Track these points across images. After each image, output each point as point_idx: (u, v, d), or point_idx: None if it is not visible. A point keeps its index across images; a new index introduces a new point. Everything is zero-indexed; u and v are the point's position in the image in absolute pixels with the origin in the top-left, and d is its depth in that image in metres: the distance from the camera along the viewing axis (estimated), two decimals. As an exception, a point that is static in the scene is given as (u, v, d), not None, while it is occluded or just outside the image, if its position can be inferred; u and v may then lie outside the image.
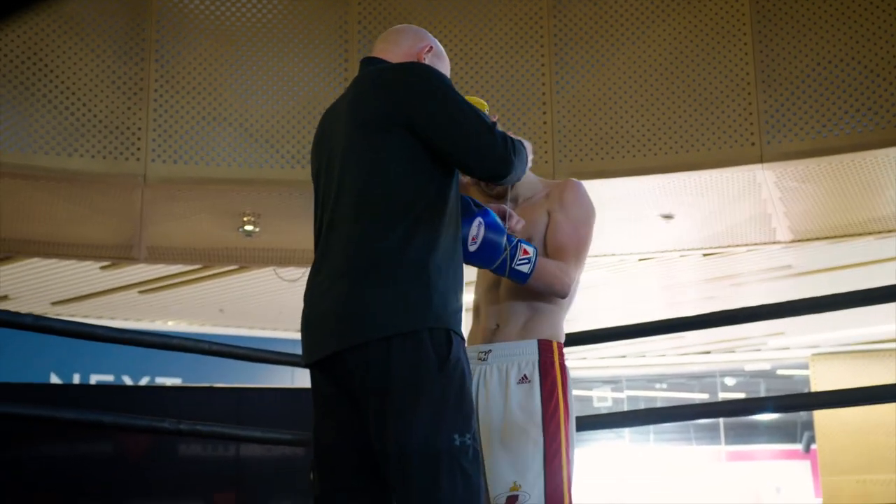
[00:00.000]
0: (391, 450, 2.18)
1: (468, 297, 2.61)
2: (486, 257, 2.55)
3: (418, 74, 2.38)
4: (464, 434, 2.20)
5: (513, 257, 2.58)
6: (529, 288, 2.72)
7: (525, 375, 2.70)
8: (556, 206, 2.82)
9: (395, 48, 2.56)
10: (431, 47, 2.59)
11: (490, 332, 2.80)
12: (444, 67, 2.62)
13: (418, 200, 2.28)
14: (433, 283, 2.24)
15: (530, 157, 2.68)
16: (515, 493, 2.59)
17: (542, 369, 2.71)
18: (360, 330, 2.21)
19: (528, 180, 2.89)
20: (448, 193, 2.36)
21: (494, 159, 2.32)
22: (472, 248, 2.50)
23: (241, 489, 6.23)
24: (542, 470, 2.62)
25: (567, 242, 2.78)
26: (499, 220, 2.56)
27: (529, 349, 2.72)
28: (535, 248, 2.65)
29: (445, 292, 2.27)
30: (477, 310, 2.90)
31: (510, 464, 2.61)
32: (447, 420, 2.18)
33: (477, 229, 2.50)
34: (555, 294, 2.77)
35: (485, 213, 2.53)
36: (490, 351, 2.75)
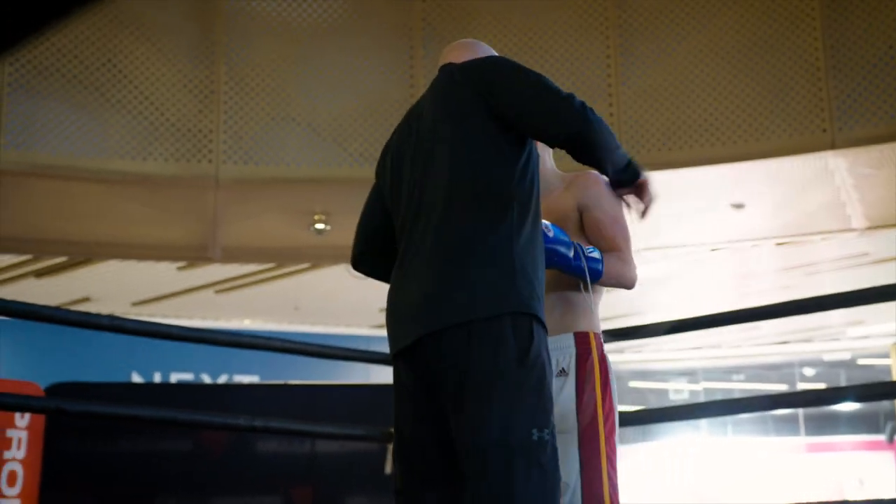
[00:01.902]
0: (467, 441, 2.16)
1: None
2: (561, 254, 2.56)
3: (493, 60, 2.45)
4: (542, 429, 2.16)
5: (584, 255, 2.59)
6: (599, 283, 2.72)
7: (563, 368, 2.69)
8: (585, 203, 2.79)
9: (463, 55, 2.60)
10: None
11: None
12: None
13: (502, 187, 2.29)
14: (517, 268, 2.23)
15: None
16: None
17: (579, 361, 2.70)
18: (442, 315, 2.20)
19: (550, 169, 2.88)
20: (530, 180, 2.36)
21: (570, 116, 2.29)
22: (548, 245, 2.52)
23: (317, 484, 6.31)
24: (579, 460, 2.60)
25: (616, 235, 2.77)
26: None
27: (566, 342, 2.71)
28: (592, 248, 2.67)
29: (529, 278, 2.25)
30: None
31: None
32: (525, 413, 2.15)
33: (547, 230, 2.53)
34: (624, 286, 2.76)
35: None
36: None
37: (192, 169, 6.63)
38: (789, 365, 16.99)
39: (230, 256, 8.17)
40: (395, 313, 2.37)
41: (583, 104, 2.33)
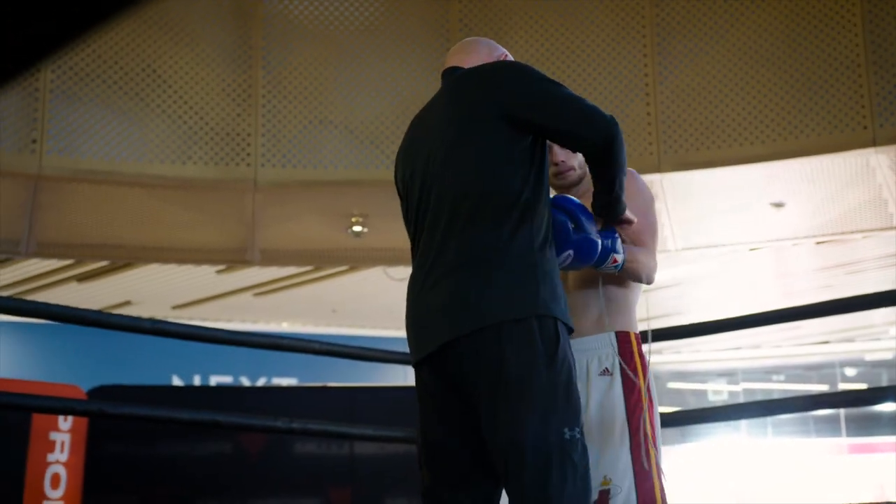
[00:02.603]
0: (501, 442, 2.19)
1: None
2: (585, 255, 2.53)
3: (506, 66, 2.44)
4: (573, 428, 2.20)
5: (610, 249, 2.56)
6: (614, 276, 2.69)
7: (606, 368, 2.69)
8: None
9: (475, 56, 2.59)
10: (506, 55, 2.64)
11: None
12: None
13: (519, 192, 2.30)
14: (538, 272, 2.26)
15: None
16: (607, 487, 2.58)
17: (624, 361, 2.70)
18: (470, 319, 2.22)
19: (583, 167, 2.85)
20: (545, 181, 2.39)
21: (604, 122, 2.29)
22: (566, 262, 2.49)
23: (356, 485, 6.33)
24: (631, 462, 2.60)
25: (642, 230, 2.75)
26: (583, 216, 2.52)
27: (608, 342, 2.71)
28: (616, 236, 2.62)
29: (550, 281, 2.28)
30: None
31: (598, 458, 2.59)
32: (557, 413, 2.19)
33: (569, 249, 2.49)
34: (641, 281, 2.74)
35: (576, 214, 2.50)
36: None
37: (231, 172, 6.67)
38: (830, 365, 16.82)
39: (269, 259, 8.21)
40: (418, 321, 2.38)
41: (612, 117, 2.33)
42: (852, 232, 7.51)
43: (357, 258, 8.47)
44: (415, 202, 2.46)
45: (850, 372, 17.04)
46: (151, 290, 10.60)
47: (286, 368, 13.22)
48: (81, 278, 9.83)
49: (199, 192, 6.85)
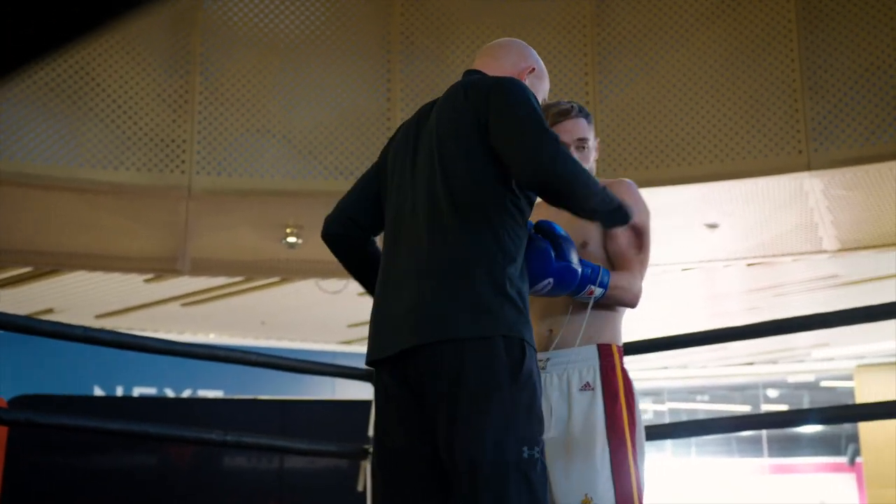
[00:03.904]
0: (459, 457, 2.16)
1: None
2: (564, 285, 2.51)
3: (507, 84, 2.35)
4: (532, 447, 2.17)
5: (588, 280, 2.54)
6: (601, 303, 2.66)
7: (587, 383, 2.63)
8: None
9: (499, 63, 2.55)
10: (534, 69, 2.57)
11: (544, 339, 2.71)
12: (545, 87, 2.61)
13: (498, 208, 2.28)
14: (509, 290, 2.24)
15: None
16: None
17: (604, 375, 2.64)
18: (434, 329, 2.20)
19: None
20: (523, 204, 2.34)
21: (541, 161, 2.19)
22: (545, 289, 2.47)
23: (286, 500, 6.23)
24: (612, 479, 2.56)
25: (630, 250, 2.72)
26: (566, 246, 2.50)
27: (589, 355, 2.66)
28: (598, 267, 2.60)
29: (519, 302, 2.26)
30: None
31: (579, 475, 2.54)
32: (517, 431, 2.16)
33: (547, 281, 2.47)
34: (625, 306, 2.71)
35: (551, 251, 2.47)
36: (548, 359, 2.68)
37: (165, 179, 6.54)
38: (754, 386, 17.08)
39: (199, 269, 8.07)
40: (383, 320, 2.35)
41: (558, 152, 2.21)
42: (783, 255, 7.62)
43: (290, 270, 8.37)
44: (394, 196, 2.43)
45: (773, 393, 17.33)
46: (75, 298, 10.37)
47: (211, 380, 13.04)
48: (2, 284, 9.57)
49: (132, 199, 6.71)
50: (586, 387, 2.62)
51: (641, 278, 2.72)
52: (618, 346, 2.71)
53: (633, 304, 2.71)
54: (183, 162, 6.59)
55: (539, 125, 2.26)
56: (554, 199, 2.28)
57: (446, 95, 2.46)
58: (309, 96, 6.81)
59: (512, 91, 2.33)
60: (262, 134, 6.74)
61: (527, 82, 2.51)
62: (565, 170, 2.21)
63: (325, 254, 8.59)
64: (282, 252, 7.86)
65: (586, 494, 2.53)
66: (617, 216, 2.41)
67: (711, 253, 7.87)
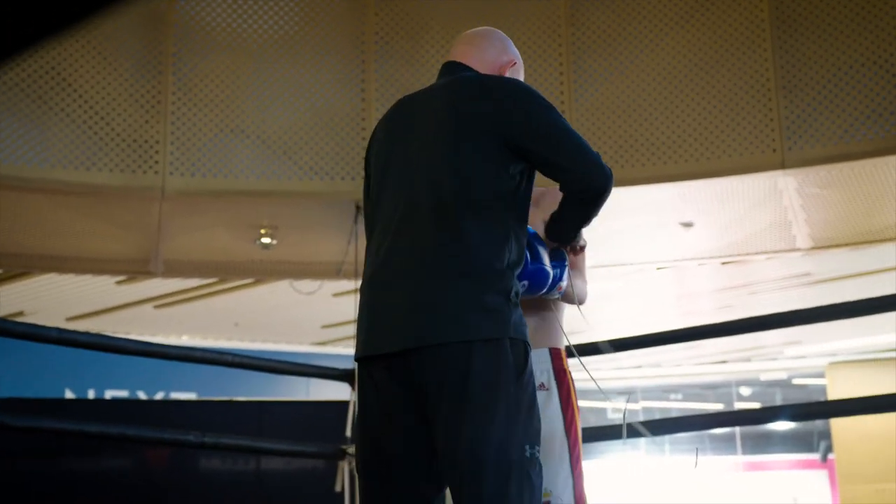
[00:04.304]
0: (462, 455, 2.16)
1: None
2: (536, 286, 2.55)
3: (515, 88, 2.39)
4: (533, 446, 2.21)
5: (559, 279, 2.58)
6: (547, 299, 2.71)
7: (542, 383, 2.70)
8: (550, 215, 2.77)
9: (481, 55, 2.56)
10: (515, 62, 2.61)
11: None
12: (522, 79, 2.64)
13: (504, 209, 2.29)
14: (513, 293, 2.27)
15: None
16: (548, 499, 2.61)
17: (557, 376, 2.74)
18: (444, 329, 2.19)
19: None
20: (527, 206, 2.37)
21: (603, 174, 2.33)
22: (521, 291, 2.50)
23: (262, 502, 6.19)
24: (571, 475, 2.65)
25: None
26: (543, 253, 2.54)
27: (543, 357, 2.74)
28: (564, 265, 2.64)
29: (518, 302, 2.29)
30: None
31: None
32: (520, 430, 2.19)
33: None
34: (577, 303, 2.79)
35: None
36: None
37: (138, 180, 6.49)
38: (727, 384, 17.18)
39: (172, 270, 8.01)
40: (380, 315, 2.31)
41: (609, 168, 2.37)
42: (757, 253, 7.66)
43: (264, 271, 8.32)
44: (390, 192, 2.39)
45: (746, 391, 17.42)
46: (46, 301, 10.28)
47: (184, 383, 12.95)
48: (-28, 287, 9.48)
49: (104, 200, 6.65)
50: (541, 387, 2.68)
51: (585, 277, 2.81)
52: (563, 350, 2.82)
53: (582, 301, 2.81)
54: (156, 163, 6.54)
55: (574, 131, 2.36)
56: (588, 208, 2.41)
57: (448, 92, 2.43)
58: (283, 96, 6.78)
59: (529, 94, 2.37)
60: (236, 134, 6.70)
61: (508, 76, 2.56)
62: (611, 185, 2.37)
63: (299, 255, 8.56)
64: (256, 253, 7.81)
65: (546, 488, 2.60)
66: (578, 235, 2.62)
67: (686, 252, 7.90)
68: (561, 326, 2.83)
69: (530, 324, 2.70)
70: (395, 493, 2.28)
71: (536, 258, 2.48)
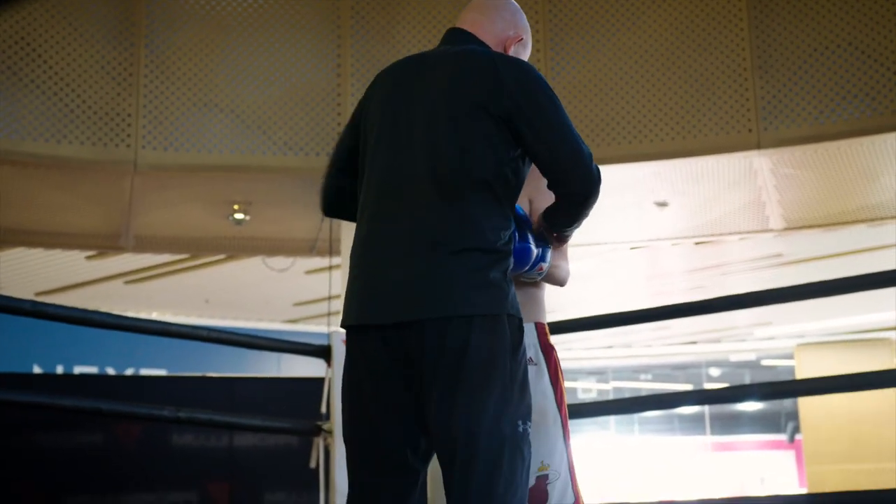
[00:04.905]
0: (456, 429, 2.15)
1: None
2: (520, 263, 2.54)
3: (535, 79, 2.35)
4: (525, 422, 2.22)
5: (540, 259, 2.57)
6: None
7: (531, 358, 2.68)
8: (535, 195, 2.76)
9: (490, 26, 2.49)
10: (521, 38, 2.53)
11: None
12: (527, 54, 2.59)
13: (502, 189, 2.27)
14: (508, 269, 2.27)
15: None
16: (545, 472, 2.61)
17: (545, 351, 2.74)
18: (447, 303, 2.17)
19: None
20: (520, 188, 2.37)
21: (591, 181, 2.31)
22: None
23: (235, 480, 6.16)
24: (565, 448, 2.66)
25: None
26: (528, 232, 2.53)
27: (530, 332, 2.71)
28: (547, 245, 2.62)
29: (511, 279, 2.29)
30: None
31: (535, 444, 2.59)
32: (514, 405, 2.19)
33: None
34: (558, 284, 2.78)
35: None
36: None
37: (110, 153, 6.41)
38: (696, 365, 17.30)
39: (143, 246, 7.94)
40: (376, 284, 2.27)
41: (598, 170, 2.34)
42: (731, 233, 7.69)
43: (237, 247, 8.27)
44: (385, 158, 2.34)
45: (715, 372, 17.55)
46: (14, 276, 10.16)
47: (154, 359, 12.86)
48: (-62, 261, 9.36)
49: (75, 173, 6.56)
50: (530, 361, 2.67)
51: (567, 258, 2.80)
52: (546, 325, 2.81)
53: (564, 283, 2.79)
54: (128, 136, 6.46)
55: (573, 130, 2.32)
56: (574, 211, 2.40)
57: (453, 65, 2.37)
58: (257, 71, 6.71)
59: (540, 86, 2.33)
60: (210, 108, 6.63)
61: (511, 52, 2.50)
62: (600, 186, 2.36)
63: (273, 231, 8.46)
64: (228, 229, 7.76)
65: (542, 461, 2.60)
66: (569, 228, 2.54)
67: (660, 231, 7.92)
68: (543, 301, 2.83)
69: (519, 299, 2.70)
70: (382, 463, 2.26)
71: (523, 237, 2.48)
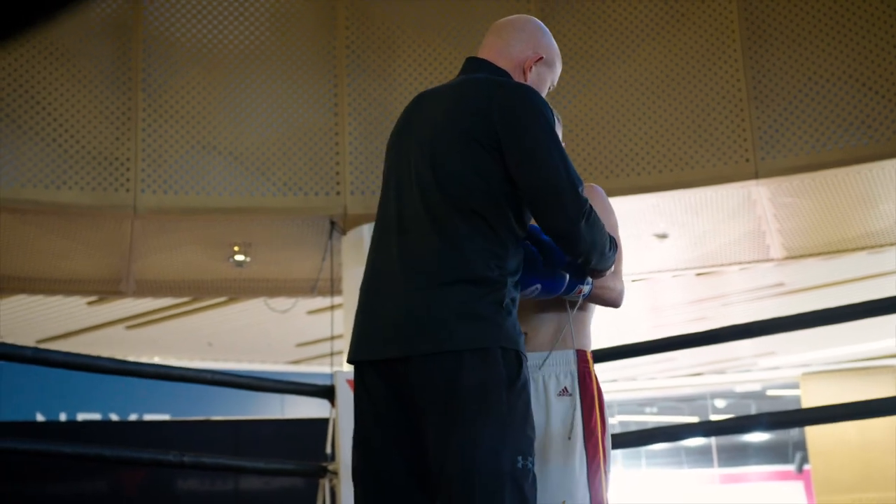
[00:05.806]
0: (452, 466, 2.11)
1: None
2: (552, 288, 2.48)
3: (526, 106, 2.27)
4: (526, 457, 2.14)
5: (578, 282, 2.49)
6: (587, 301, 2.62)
7: (565, 388, 2.56)
8: None
9: (506, 49, 2.45)
10: (541, 57, 2.45)
11: None
12: (555, 73, 2.52)
13: (499, 216, 2.23)
14: (506, 299, 2.20)
15: (615, 260, 2.53)
16: None
17: (581, 381, 2.58)
18: (433, 339, 2.14)
19: None
20: (525, 213, 2.30)
21: (564, 214, 2.21)
22: (534, 294, 2.43)
23: (240, 523, 6.12)
24: (588, 486, 2.51)
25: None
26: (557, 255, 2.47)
27: (567, 359, 2.59)
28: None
29: (514, 310, 2.23)
30: None
31: (557, 482, 2.49)
32: (512, 440, 2.13)
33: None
34: (610, 305, 2.65)
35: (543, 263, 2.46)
36: None
37: (109, 198, 6.42)
38: (701, 397, 17.21)
39: (144, 290, 7.93)
40: (373, 319, 2.27)
41: (581, 206, 2.23)
42: (731, 263, 7.67)
43: (238, 289, 8.26)
44: (390, 195, 2.34)
45: (721, 403, 17.46)
46: (15, 324, 10.15)
47: (157, 404, 12.83)
48: (-59, 310, 9.35)
49: (75, 219, 6.57)
50: (564, 392, 2.56)
51: (621, 278, 2.69)
52: (590, 353, 2.67)
53: (617, 304, 2.65)
54: (127, 180, 6.47)
55: (564, 170, 2.23)
56: (568, 243, 2.30)
57: (459, 93, 2.35)
58: (255, 112, 6.74)
59: (536, 117, 2.25)
60: (208, 151, 6.64)
61: (532, 73, 2.43)
62: (591, 230, 2.26)
63: (273, 272, 8.48)
64: (229, 271, 7.75)
65: (564, 502, 2.49)
66: (602, 266, 2.43)
67: (661, 263, 7.90)
68: (588, 326, 2.67)
69: (552, 322, 2.62)
70: (389, 497, 2.24)
71: (550, 262, 2.40)
